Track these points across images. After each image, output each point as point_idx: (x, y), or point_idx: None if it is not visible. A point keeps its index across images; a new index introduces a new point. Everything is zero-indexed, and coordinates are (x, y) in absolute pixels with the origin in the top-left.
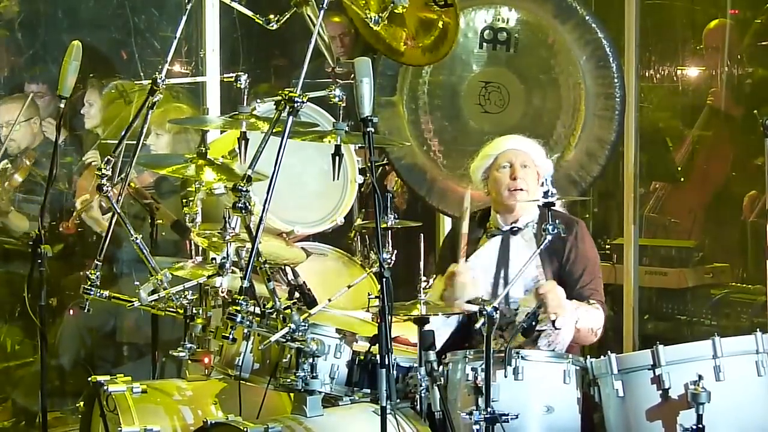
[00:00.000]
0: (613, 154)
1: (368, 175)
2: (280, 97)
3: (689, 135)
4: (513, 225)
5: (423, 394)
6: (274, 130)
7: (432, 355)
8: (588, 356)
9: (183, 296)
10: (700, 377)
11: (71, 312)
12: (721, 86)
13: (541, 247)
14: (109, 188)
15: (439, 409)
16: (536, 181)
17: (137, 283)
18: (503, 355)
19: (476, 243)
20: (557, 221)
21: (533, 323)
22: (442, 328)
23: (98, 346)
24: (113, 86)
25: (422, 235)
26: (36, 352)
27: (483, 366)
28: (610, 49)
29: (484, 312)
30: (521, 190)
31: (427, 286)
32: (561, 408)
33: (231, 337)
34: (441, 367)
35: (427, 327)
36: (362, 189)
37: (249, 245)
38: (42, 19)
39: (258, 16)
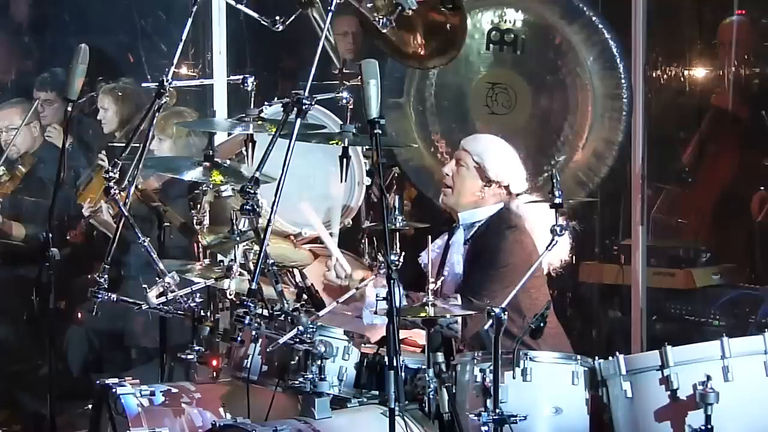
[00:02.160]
0: (620, 155)
1: (377, 177)
2: (287, 100)
3: (696, 135)
4: (455, 223)
5: (431, 396)
6: (281, 133)
7: (440, 357)
8: (596, 357)
9: (191, 299)
10: (709, 378)
11: (79, 315)
12: (729, 86)
13: (549, 249)
14: (117, 191)
15: (448, 410)
16: (476, 182)
17: (145, 286)
18: (511, 356)
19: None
20: (568, 222)
21: (542, 324)
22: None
23: (106, 349)
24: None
25: (430, 237)
26: (44, 355)
27: (491, 367)
28: (618, 50)
29: (492, 314)
30: (448, 187)
31: (436, 287)
32: (569, 409)
33: (239, 339)
34: (449, 369)
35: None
36: (370, 191)
37: (257, 247)
38: (49, 23)
39: (264, 17)
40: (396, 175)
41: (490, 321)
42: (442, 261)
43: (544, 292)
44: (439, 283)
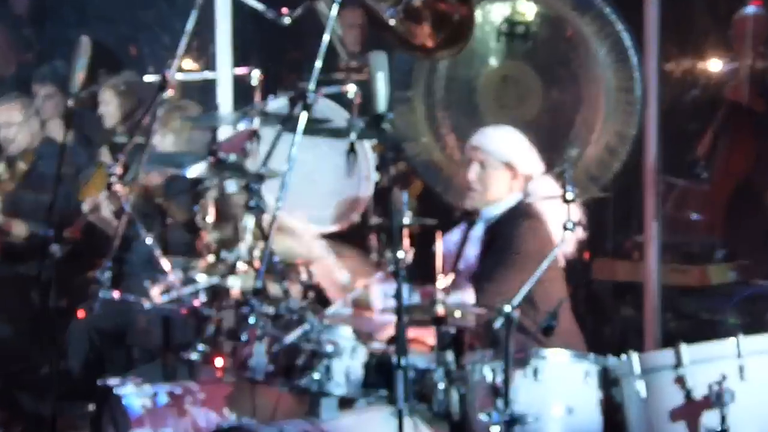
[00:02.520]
0: (633, 149)
1: (384, 172)
2: (293, 93)
3: (711, 129)
4: (474, 217)
5: (441, 396)
6: (287, 127)
7: (450, 356)
8: (609, 356)
9: (195, 297)
10: (724, 377)
11: (80, 314)
12: (744, 79)
13: (560, 245)
14: (120, 188)
15: (458, 411)
16: (505, 178)
17: (148, 283)
18: (522, 355)
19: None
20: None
21: (553, 322)
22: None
23: (108, 348)
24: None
25: (438, 233)
26: (45, 355)
27: (502, 366)
28: (630, 42)
29: (503, 312)
30: (474, 190)
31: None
32: (581, 409)
33: (244, 338)
34: (459, 368)
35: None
36: (378, 186)
37: (262, 244)
38: (49, 15)
39: (270, 10)
40: (403, 170)
41: (501, 319)
42: (458, 255)
43: (559, 286)
44: (451, 276)
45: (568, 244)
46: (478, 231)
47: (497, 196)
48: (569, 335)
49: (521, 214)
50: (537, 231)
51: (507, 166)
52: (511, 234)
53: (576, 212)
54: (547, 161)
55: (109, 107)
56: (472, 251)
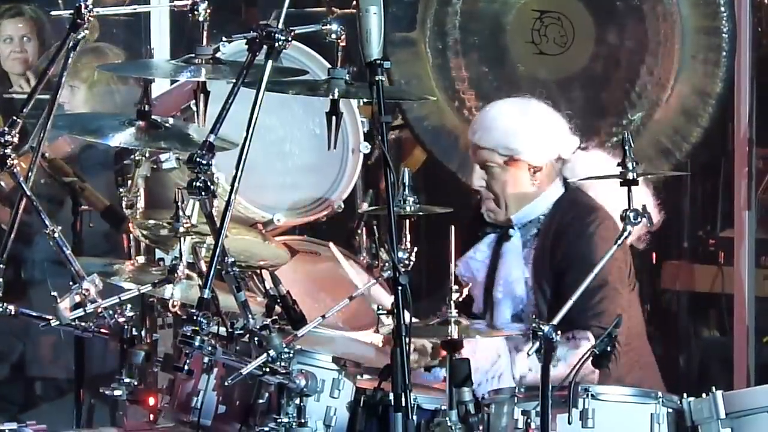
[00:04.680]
0: (719, 113)
1: (377, 141)
2: (254, 34)
3: None
4: (507, 223)
5: None
6: (245, 80)
7: (467, 394)
8: (685, 394)
9: (119, 312)
10: None
11: None
12: None
13: (619, 243)
14: (15, 161)
15: None
16: (522, 176)
17: (54, 293)
18: (567, 392)
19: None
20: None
21: (608, 348)
22: None
23: (0, 381)
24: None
25: (453, 226)
26: None
27: (538, 408)
28: None
29: (540, 333)
30: (488, 200)
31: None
32: None
33: (186, 368)
34: (479, 410)
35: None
36: (369, 161)
37: (211, 241)
38: None
39: None
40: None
41: (537, 343)
42: (489, 275)
43: (626, 299)
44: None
45: (630, 242)
46: (515, 244)
47: (521, 199)
48: (645, 370)
49: (574, 209)
50: (607, 226)
51: (518, 162)
52: (575, 239)
53: (641, 197)
54: (598, 128)
55: (11, 45)
56: (515, 274)
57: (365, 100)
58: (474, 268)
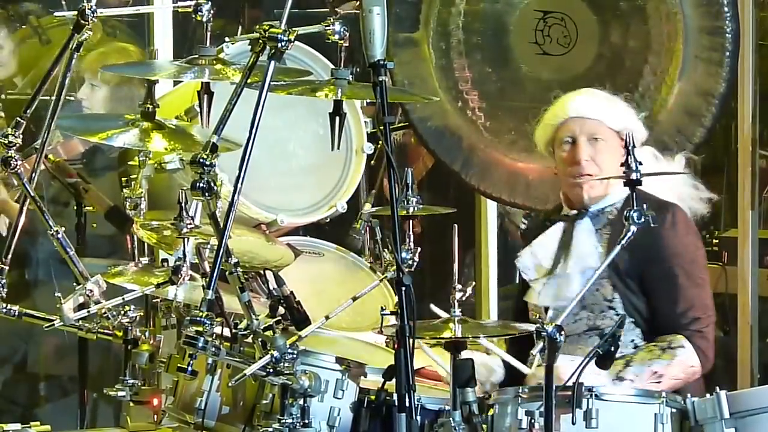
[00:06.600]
0: (722, 112)
1: (381, 142)
2: (257, 35)
3: None
4: (581, 209)
5: None
6: (249, 81)
7: (470, 395)
8: (689, 394)
9: (122, 313)
10: None
11: None
12: None
13: (623, 243)
14: (19, 162)
15: None
16: (616, 156)
17: (58, 294)
18: (571, 392)
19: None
20: (644, 206)
21: (612, 349)
22: None
23: (4, 382)
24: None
25: (456, 226)
26: None
27: (541, 409)
28: None
29: (544, 333)
30: (588, 175)
31: (464, 297)
32: None
33: (190, 369)
34: (483, 411)
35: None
36: (372, 162)
37: (215, 242)
38: None
39: None
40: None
41: (540, 344)
42: (556, 261)
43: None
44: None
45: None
46: (588, 223)
47: (614, 181)
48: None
49: (651, 205)
50: (687, 219)
51: (619, 135)
52: (666, 239)
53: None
54: None
55: (3, 51)
56: (588, 247)
57: (369, 101)
58: (541, 256)
